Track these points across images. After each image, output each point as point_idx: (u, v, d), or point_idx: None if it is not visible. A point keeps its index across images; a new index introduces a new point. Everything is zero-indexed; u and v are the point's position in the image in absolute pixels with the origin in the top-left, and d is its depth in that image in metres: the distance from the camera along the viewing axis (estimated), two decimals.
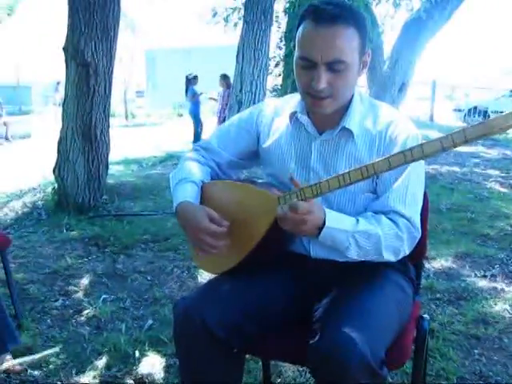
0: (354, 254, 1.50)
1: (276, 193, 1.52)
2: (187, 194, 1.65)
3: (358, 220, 1.50)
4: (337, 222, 1.46)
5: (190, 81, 10.99)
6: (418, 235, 1.58)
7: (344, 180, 1.36)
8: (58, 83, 17.69)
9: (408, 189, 1.55)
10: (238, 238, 1.59)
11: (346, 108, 1.59)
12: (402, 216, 1.53)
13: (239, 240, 1.59)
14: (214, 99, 11.45)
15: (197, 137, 10.68)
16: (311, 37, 1.46)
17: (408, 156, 1.29)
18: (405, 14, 12.31)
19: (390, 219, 1.52)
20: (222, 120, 9.94)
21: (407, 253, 1.57)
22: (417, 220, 1.56)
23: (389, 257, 1.53)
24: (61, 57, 4.84)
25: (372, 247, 1.49)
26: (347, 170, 1.36)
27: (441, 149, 1.25)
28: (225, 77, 10.52)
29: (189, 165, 1.77)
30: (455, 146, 1.23)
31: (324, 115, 1.58)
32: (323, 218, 1.43)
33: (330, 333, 1.36)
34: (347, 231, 1.46)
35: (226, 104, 9.57)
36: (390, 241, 1.50)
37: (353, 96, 1.60)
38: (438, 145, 1.25)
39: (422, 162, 1.59)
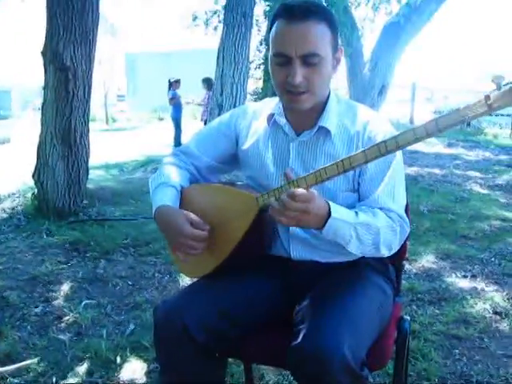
0: (353, 248, 1.49)
1: (255, 194, 1.52)
2: (166, 198, 1.64)
3: (356, 212, 1.49)
4: (339, 213, 1.43)
5: (172, 84, 10.94)
6: (408, 230, 1.58)
7: (321, 175, 1.35)
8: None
9: (395, 187, 1.56)
10: (217, 241, 1.58)
11: (322, 108, 1.59)
12: (393, 211, 1.53)
13: (219, 243, 1.58)
14: (192, 102, 11.42)
15: (177, 141, 10.63)
16: (284, 33, 1.47)
17: (383, 148, 1.29)
18: (384, 17, 12.41)
19: (383, 213, 1.53)
20: (205, 124, 9.89)
21: (397, 248, 1.57)
22: (405, 215, 1.57)
23: (384, 251, 1.53)
24: (40, 61, 4.80)
25: (371, 240, 1.48)
26: (324, 166, 1.35)
27: (414, 139, 1.25)
28: (208, 80, 10.45)
29: (168, 169, 1.76)
30: (428, 136, 1.24)
31: (301, 115, 1.59)
32: (327, 207, 1.40)
33: (310, 334, 1.35)
34: (350, 223, 1.44)
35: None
36: (386, 233, 1.50)
37: (329, 95, 1.61)
38: (411, 135, 1.25)
39: (401, 161, 1.60)
